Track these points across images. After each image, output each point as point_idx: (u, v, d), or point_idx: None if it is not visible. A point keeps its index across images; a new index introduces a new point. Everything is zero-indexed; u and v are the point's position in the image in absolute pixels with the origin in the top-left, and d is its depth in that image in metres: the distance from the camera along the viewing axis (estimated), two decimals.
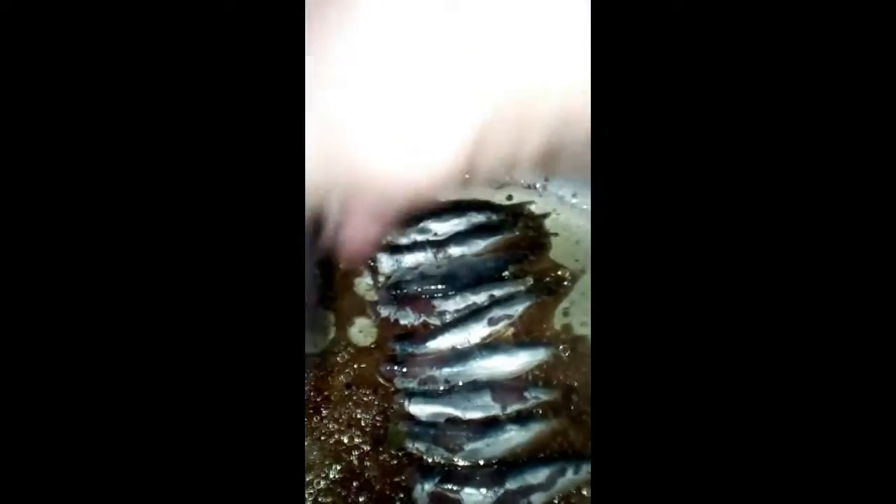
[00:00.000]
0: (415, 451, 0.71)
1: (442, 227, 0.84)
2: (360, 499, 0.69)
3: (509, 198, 0.87)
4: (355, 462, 0.71)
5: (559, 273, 0.81)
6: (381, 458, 0.71)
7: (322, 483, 0.70)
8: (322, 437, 0.72)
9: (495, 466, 0.70)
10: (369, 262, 0.82)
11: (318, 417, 0.73)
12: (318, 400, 0.74)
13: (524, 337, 0.77)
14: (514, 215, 0.85)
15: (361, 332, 0.79)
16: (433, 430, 0.72)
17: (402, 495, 0.69)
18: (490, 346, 0.75)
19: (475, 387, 0.73)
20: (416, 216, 0.84)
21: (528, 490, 0.68)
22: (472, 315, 0.77)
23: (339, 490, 0.70)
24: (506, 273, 0.81)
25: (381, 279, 0.82)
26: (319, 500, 0.69)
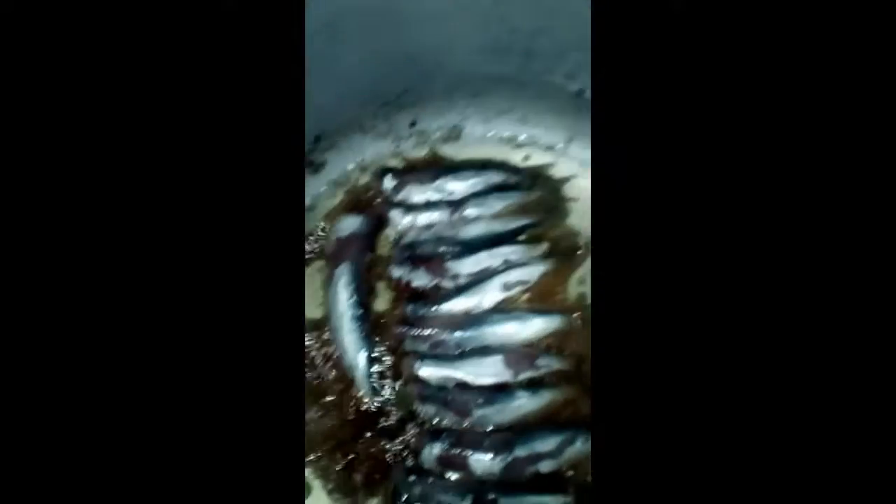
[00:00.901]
0: (423, 414, 0.71)
1: (458, 187, 0.81)
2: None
3: (527, 159, 0.84)
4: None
5: (577, 240, 0.78)
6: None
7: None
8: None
9: (504, 433, 0.69)
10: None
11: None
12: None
13: (538, 304, 0.75)
14: (534, 177, 0.82)
15: (380, 295, 0.78)
16: (442, 394, 0.71)
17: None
18: (503, 312, 0.74)
19: (487, 352, 0.72)
20: (432, 173, 0.81)
21: (537, 458, 0.68)
22: (486, 279, 0.76)
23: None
24: (522, 237, 0.79)
25: (394, 237, 0.80)
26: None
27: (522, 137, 0.84)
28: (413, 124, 0.84)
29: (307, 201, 0.82)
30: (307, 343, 0.75)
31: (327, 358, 0.75)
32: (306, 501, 0.70)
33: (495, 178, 0.81)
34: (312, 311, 0.77)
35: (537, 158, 0.83)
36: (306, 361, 0.74)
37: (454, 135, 0.85)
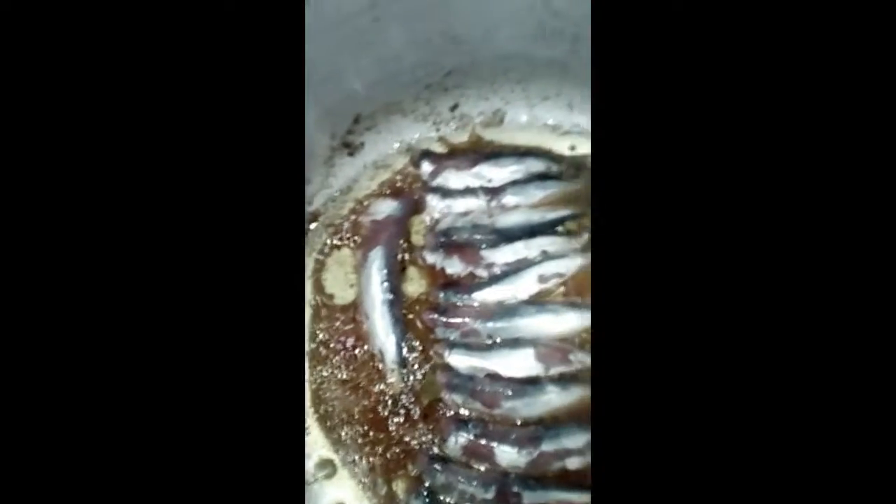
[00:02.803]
0: (451, 403, 0.70)
1: (498, 174, 0.79)
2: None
3: (572, 148, 0.81)
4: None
5: None
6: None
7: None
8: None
9: (532, 426, 0.68)
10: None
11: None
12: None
13: (574, 297, 0.73)
14: (576, 167, 0.79)
15: (413, 280, 0.77)
16: (471, 384, 0.70)
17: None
18: (538, 304, 0.72)
19: (519, 344, 0.71)
20: (471, 159, 0.80)
21: (564, 454, 0.66)
22: (521, 269, 0.74)
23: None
24: (560, 228, 0.77)
25: (429, 223, 0.79)
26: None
27: (568, 125, 0.82)
28: (455, 108, 0.82)
29: (343, 183, 0.82)
30: (337, 325, 0.75)
31: (357, 341, 0.75)
32: (331, 485, 0.70)
33: (536, 166, 0.79)
34: (345, 292, 0.77)
35: (583, 148, 0.81)
36: (337, 344, 0.75)
37: (496, 120, 0.83)
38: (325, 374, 0.74)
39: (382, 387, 0.72)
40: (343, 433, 0.71)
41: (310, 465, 0.71)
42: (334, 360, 0.74)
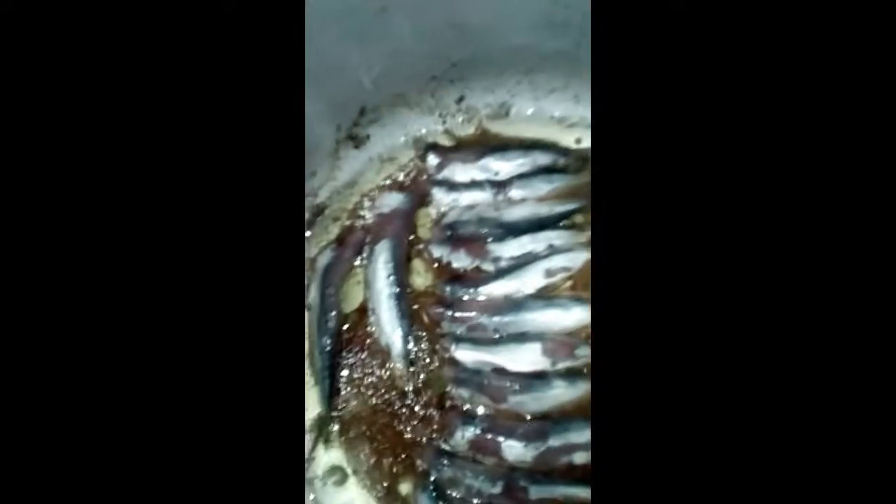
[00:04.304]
0: (457, 397, 0.70)
1: (504, 167, 0.78)
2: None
3: (578, 141, 0.80)
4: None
5: None
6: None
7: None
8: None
9: (539, 421, 0.68)
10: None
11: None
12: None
13: (581, 292, 0.72)
14: (583, 160, 0.78)
15: (419, 273, 0.76)
16: (478, 378, 0.70)
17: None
18: (545, 299, 0.72)
19: (525, 338, 0.71)
20: (477, 152, 0.79)
21: (571, 448, 0.66)
22: (528, 263, 0.73)
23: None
24: (567, 222, 0.76)
25: (436, 216, 0.78)
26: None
27: (575, 118, 0.81)
28: (461, 100, 0.81)
29: (348, 176, 0.81)
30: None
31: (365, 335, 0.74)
32: (337, 472, 0.70)
33: (543, 159, 0.78)
34: (351, 287, 0.77)
35: (589, 141, 0.80)
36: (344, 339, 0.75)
37: (502, 112, 0.82)
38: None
39: (390, 381, 0.72)
40: (350, 429, 0.71)
41: (319, 470, 0.71)
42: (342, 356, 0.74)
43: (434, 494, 0.67)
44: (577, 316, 0.70)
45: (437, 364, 0.72)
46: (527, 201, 0.77)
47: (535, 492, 0.65)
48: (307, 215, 0.79)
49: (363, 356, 0.74)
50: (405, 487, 0.68)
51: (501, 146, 0.80)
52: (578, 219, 0.76)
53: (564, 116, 0.81)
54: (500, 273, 0.73)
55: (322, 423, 0.72)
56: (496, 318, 0.71)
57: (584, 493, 0.65)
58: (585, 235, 0.75)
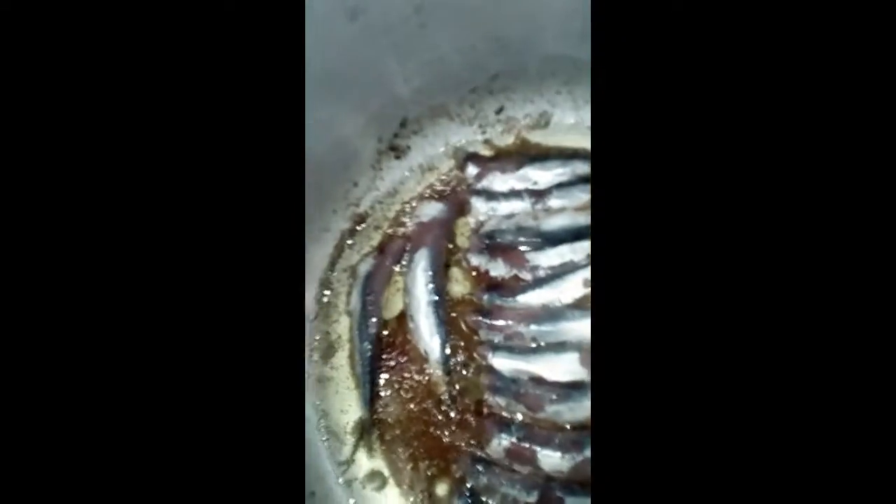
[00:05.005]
0: (494, 405, 0.70)
1: (543, 176, 0.78)
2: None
3: None
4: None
5: None
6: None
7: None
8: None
9: (576, 431, 0.67)
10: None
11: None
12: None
13: None
14: None
15: (457, 281, 0.77)
16: (515, 386, 0.70)
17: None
18: (583, 309, 0.71)
19: (563, 348, 0.70)
20: (516, 161, 0.80)
21: None
22: (566, 273, 0.73)
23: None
24: None
25: (474, 225, 0.79)
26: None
27: None
28: (500, 111, 0.82)
29: (389, 185, 0.83)
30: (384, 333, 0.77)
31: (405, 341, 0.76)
32: (374, 475, 0.72)
33: (582, 168, 0.78)
34: (392, 294, 0.78)
35: None
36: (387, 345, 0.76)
37: (542, 122, 0.83)
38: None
39: (428, 387, 0.73)
40: (388, 434, 0.72)
41: (360, 473, 0.73)
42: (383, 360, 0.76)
43: (470, 501, 0.67)
44: None
45: (474, 371, 0.72)
46: (565, 211, 0.77)
47: (571, 502, 0.65)
48: (348, 224, 0.81)
49: (403, 361, 0.75)
50: (441, 493, 0.69)
51: (540, 156, 0.80)
52: None
53: None
54: (538, 282, 0.74)
55: (363, 426, 0.73)
56: (534, 327, 0.72)
57: None
58: None
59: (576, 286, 0.72)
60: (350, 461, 0.73)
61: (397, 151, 0.82)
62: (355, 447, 0.73)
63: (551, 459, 0.66)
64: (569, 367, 0.69)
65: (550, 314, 0.72)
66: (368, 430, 0.73)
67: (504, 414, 0.70)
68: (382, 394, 0.74)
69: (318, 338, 0.78)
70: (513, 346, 0.72)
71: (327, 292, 0.80)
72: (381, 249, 0.80)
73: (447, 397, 0.72)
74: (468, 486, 0.68)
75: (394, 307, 0.78)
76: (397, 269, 0.79)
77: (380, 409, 0.74)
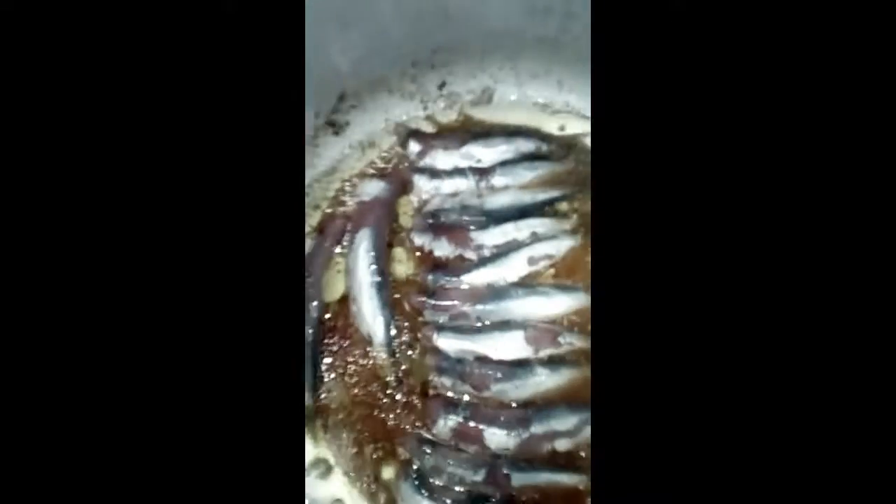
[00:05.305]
0: (440, 386, 0.70)
1: (487, 154, 0.77)
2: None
3: (562, 128, 0.80)
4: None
5: None
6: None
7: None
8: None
9: (522, 409, 0.68)
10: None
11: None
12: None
13: (564, 280, 0.72)
14: (567, 146, 0.78)
15: (400, 262, 0.76)
16: (460, 367, 0.70)
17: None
18: (527, 287, 0.71)
19: (508, 327, 0.70)
20: (459, 139, 0.78)
21: (554, 435, 0.66)
22: (511, 251, 0.73)
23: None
24: (550, 209, 0.76)
25: (417, 204, 0.77)
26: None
27: (558, 104, 0.81)
28: (442, 86, 0.80)
29: (328, 163, 0.80)
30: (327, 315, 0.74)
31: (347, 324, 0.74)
32: (319, 462, 0.70)
33: (526, 146, 0.77)
34: (332, 275, 0.76)
35: (573, 127, 0.79)
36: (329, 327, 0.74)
37: (485, 98, 0.81)
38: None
39: (372, 370, 0.72)
40: (332, 418, 0.71)
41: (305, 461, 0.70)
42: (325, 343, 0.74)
43: (417, 483, 0.67)
44: (560, 304, 0.70)
45: (419, 353, 0.71)
46: (510, 189, 0.76)
47: (518, 479, 0.65)
48: None
49: (346, 345, 0.73)
50: (387, 476, 0.68)
51: (484, 133, 0.79)
52: (562, 206, 0.76)
53: (548, 103, 0.81)
54: (483, 261, 0.73)
55: (306, 414, 0.71)
56: (479, 307, 0.71)
57: (566, 479, 0.65)
58: (569, 223, 0.74)
59: (520, 264, 0.72)
60: None
61: (336, 127, 0.79)
62: None
63: (497, 437, 0.67)
64: (514, 346, 0.69)
65: (495, 293, 0.71)
66: (311, 417, 0.71)
67: (450, 394, 0.69)
68: (325, 379, 0.72)
69: None
70: (458, 326, 0.71)
71: None
72: (320, 230, 0.77)
73: (392, 379, 0.71)
74: (415, 467, 0.67)
75: (335, 290, 0.75)
76: (338, 250, 0.76)
77: (323, 395, 0.71)
